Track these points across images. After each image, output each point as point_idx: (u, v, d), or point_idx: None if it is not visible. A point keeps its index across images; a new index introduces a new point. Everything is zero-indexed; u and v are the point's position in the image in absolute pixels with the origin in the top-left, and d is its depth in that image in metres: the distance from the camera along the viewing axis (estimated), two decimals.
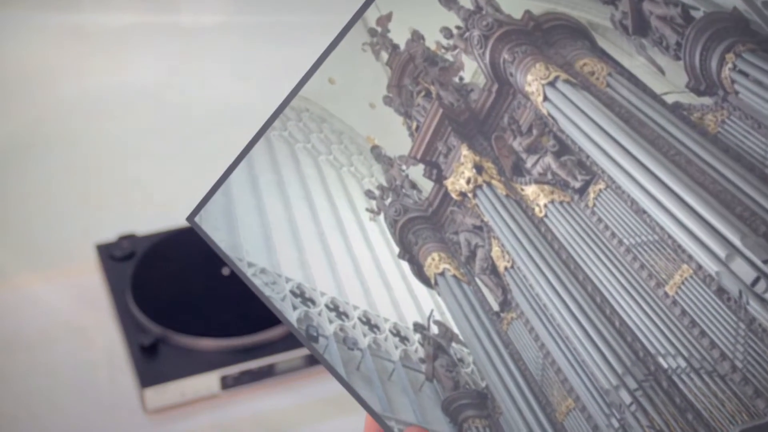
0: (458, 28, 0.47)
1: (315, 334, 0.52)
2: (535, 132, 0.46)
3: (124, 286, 1.05)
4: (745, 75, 0.42)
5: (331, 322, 0.52)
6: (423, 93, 0.48)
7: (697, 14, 0.43)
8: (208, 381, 0.97)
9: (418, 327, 0.50)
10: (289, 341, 1.01)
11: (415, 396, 0.50)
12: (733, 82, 0.42)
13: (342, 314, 0.52)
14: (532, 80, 0.46)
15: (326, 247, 0.52)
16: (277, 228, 0.53)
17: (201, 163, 1.25)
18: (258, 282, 0.53)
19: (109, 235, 1.11)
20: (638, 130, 0.44)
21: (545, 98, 0.46)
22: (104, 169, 1.25)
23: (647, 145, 0.44)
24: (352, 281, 0.52)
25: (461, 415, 0.49)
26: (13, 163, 1.26)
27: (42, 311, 1.06)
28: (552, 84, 0.46)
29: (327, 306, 0.52)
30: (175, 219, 1.12)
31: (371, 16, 0.49)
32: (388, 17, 0.48)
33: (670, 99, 0.44)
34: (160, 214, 1.14)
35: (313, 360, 1.02)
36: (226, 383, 0.98)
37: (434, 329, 0.50)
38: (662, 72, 0.45)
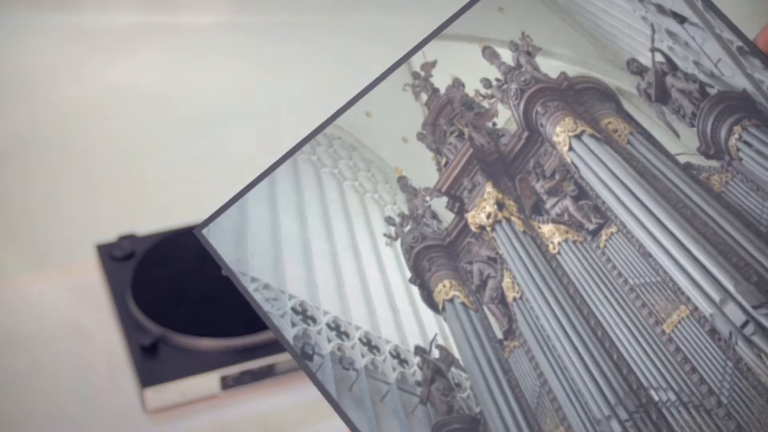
0: (498, 80, 0.57)
1: (310, 352, 0.57)
2: (557, 177, 0.55)
3: (124, 286, 1.09)
4: (749, 145, 0.53)
5: (330, 341, 0.57)
6: (456, 133, 0.57)
7: (712, 91, 0.54)
8: (208, 381, 1.01)
9: (419, 350, 0.56)
10: None
11: (405, 419, 0.55)
12: (738, 150, 0.53)
13: (343, 334, 0.57)
14: (560, 131, 0.56)
15: (337, 268, 0.58)
16: (288, 246, 0.59)
17: (201, 163, 1.30)
18: (258, 297, 0.58)
19: (109, 235, 1.15)
20: (651, 183, 0.54)
21: (570, 148, 0.55)
22: (104, 169, 1.29)
23: (658, 197, 0.54)
24: (358, 302, 0.57)
25: None
26: (13, 163, 1.29)
27: (42, 311, 1.09)
28: (578, 137, 0.55)
29: (328, 325, 0.58)
30: (175, 219, 1.17)
31: (416, 60, 0.58)
32: (433, 64, 0.57)
33: (682, 159, 0.54)
34: (160, 214, 1.19)
35: None
36: (226, 383, 1.01)
37: (435, 353, 0.56)
38: (677, 135, 0.55)
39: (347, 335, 0.58)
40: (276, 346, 1.06)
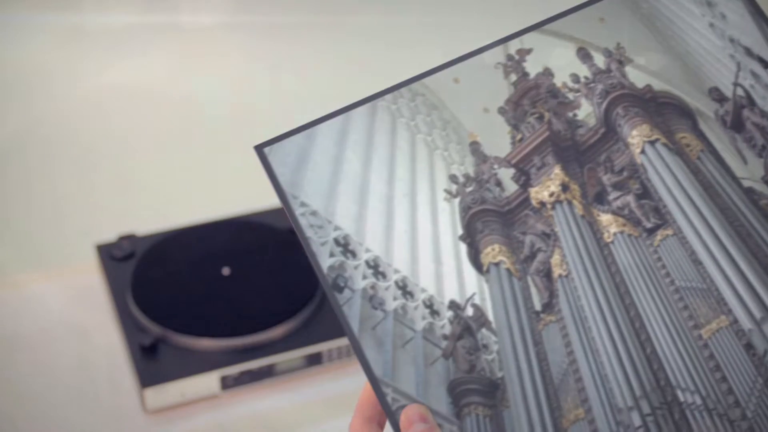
0: (586, 78, 0.54)
1: (342, 284, 0.51)
2: (625, 174, 0.52)
3: (124, 286, 1.01)
4: None
5: (365, 278, 0.52)
6: (537, 115, 0.53)
7: None
8: (208, 381, 0.94)
9: (453, 305, 0.51)
10: (289, 341, 0.98)
11: (423, 369, 0.49)
12: None
13: (380, 274, 0.52)
14: (636, 135, 0.52)
15: (390, 211, 0.53)
16: (347, 181, 0.54)
17: (201, 163, 1.23)
18: (303, 222, 0.52)
19: (109, 235, 1.07)
20: (713, 198, 0.51)
21: (643, 151, 0.52)
22: (104, 169, 1.22)
23: (717, 212, 0.50)
24: (403, 247, 0.52)
25: (465, 399, 0.48)
26: (13, 163, 1.22)
27: (42, 311, 1.02)
28: (652, 143, 0.52)
29: (367, 262, 0.52)
30: (175, 219, 1.10)
31: (513, 44, 0.55)
32: (528, 51, 0.54)
33: (746, 183, 0.52)
34: (160, 214, 1.12)
35: (313, 360, 0.98)
36: (226, 383, 0.95)
37: (469, 311, 0.50)
38: (745, 162, 0.52)
39: (384, 276, 0.52)
40: (276, 346, 0.98)
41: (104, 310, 1.01)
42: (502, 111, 0.54)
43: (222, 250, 1.06)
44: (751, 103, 0.53)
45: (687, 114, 0.53)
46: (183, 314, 0.98)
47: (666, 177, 0.51)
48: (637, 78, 0.54)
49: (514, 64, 0.55)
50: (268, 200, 1.08)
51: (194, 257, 1.05)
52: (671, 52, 0.55)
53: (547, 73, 0.54)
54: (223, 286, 1.02)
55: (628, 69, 0.54)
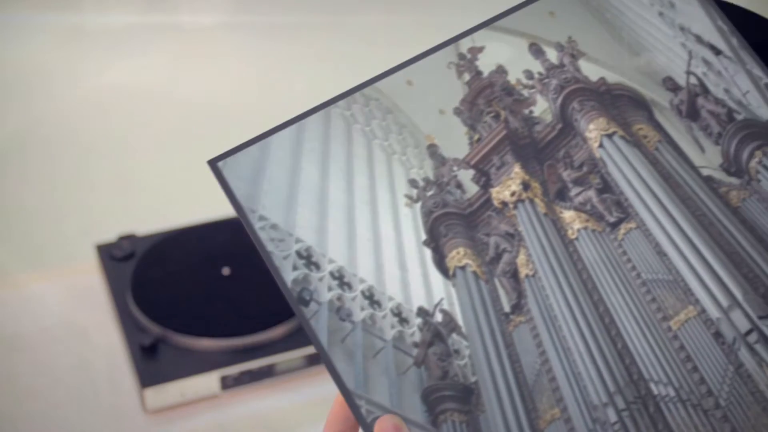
0: (540, 74, 0.52)
1: (308, 297, 0.49)
2: (585, 169, 0.51)
3: (124, 286, 1.00)
4: None
5: (330, 290, 0.50)
6: (493, 114, 0.52)
7: (739, 117, 0.52)
8: (208, 381, 0.93)
9: (422, 312, 0.49)
10: (289, 341, 0.96)
11: (396, 379, 0.48)
12: (757, 172, 0.50)
13: (345, 284, 0.50)
14: (593, 129, 0.51)
15: (351, 219, 0.51)
16: (305, 191, 0.52)
17: (201, 163, 1.19)
18: (263, 236, 0.50)
19: (109, 235, 1.06)
20: (674, 189, 0.50)
21: (601, 145, 0.51)
22: (104, 169, 1.20)
23: (679, 202, 0.50)
24: (367, 256, 0.51)
25: (440, 406, 0.47)
26: (13, 163, 1.20)
27: (42, 311, 1.00)
28: (609, 136, 0.51)
29: (331, 273, 0.50)
30: (175, 219, 1.08)
31: (464, 43, 0.53)
32: (480, 49, 0.53)
33: (705, 172, 0.51)
34: (160, 214, 1.10)
35: (313, 360, 0.96)
36: (226, 383, 0.94)
37: (438, 317, 0.49)
38: (703, 150, 0.51)
39: (350, 286, 0.51)
40: (276, 346, 0.97)
41: (104, 310, 1.00)
42: (457, 111, 0.52)
43: (222, 250, 1.04)
44: (705, 90, 0.53)
45: (642, 105, 0.53)
46: (183, 314, 0.97)
47: (625, 170, 0.51)
48: (591, 71, 0.53)
49: (467, 63, 0.53)
50: None
51: (194, 257, 1.04)
52: (623, 43, 0.54)
53: (501, 70, 0.53)
54: (223, 286, 1.01)
55: (581, 63, 0.53)
